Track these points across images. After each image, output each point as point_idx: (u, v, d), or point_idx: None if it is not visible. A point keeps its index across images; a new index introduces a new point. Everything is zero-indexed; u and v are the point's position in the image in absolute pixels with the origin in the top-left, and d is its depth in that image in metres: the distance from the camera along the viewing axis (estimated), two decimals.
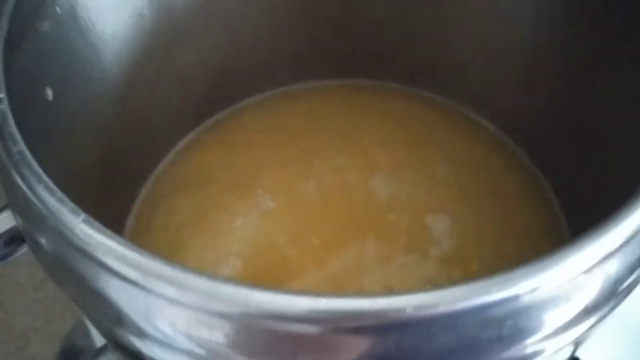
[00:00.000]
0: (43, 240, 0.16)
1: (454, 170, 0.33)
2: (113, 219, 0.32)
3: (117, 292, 0.15)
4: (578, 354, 0.20)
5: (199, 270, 0.14)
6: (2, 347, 0.42)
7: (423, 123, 0.36)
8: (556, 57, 0.31)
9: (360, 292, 0.30)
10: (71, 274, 0.16)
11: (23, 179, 0.16)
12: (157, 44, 0.31)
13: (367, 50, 0.37)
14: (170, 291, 0.14)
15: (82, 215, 0.15)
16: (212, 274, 0.14)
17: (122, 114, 0.30)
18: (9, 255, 0.20)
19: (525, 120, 0.34)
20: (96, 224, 0.15)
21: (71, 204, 0.16)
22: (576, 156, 0.31)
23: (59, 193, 0.16)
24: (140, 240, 0.32)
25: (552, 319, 0.16)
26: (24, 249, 0.20)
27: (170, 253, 0.32)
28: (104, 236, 0.15)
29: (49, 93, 0.25)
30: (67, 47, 0.26)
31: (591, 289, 0.17)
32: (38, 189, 0.16)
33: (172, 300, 0.14)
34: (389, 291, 0.29)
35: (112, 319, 0.15)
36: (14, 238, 0.20)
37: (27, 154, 0.16)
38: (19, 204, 0.17)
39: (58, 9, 0.25)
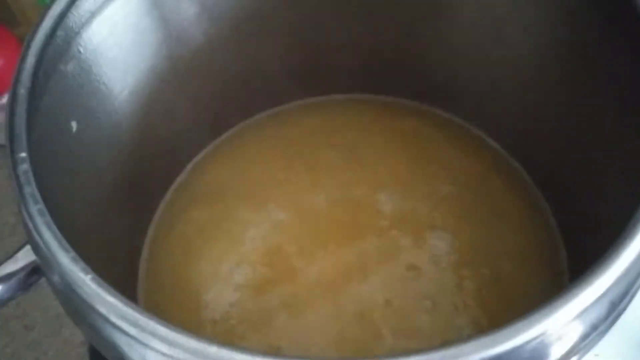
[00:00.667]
0: (57, 285, 0.19)
1: (457, 188, 0.35)
2: (135, 230, 0.35)
3: (118, 341, 0.17)
4: None
5: (189, 331, 0.16)
6: (37, 330, 0.46)
7: (430, 141, 0.37)
8: (560, 80, 0.32)
9: (361, 304, 0.32)
10: (80, 317, 0.18)
11: (41, 237, 0.18)
12: (175, 70, 0.33)
13: (379, 67, 0.38)
14: (163, 347, 0.16)
15: (91, 275, 0.17)
16: (200, 334, 0.16)
17: (141, 136, 0.33)
18: (31, 286, 0.22)
19: (529, 141, 0.35)
20: (103, 283, 0.18)
21: (82, 263, 0.18)
22: (577, 180, 0.32)
23: (73, 253, 0.18)
24: (160, 250, 0.35)
25: (554, 352, 0.18)
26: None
27: (186, 261, 0.34)
28: (108, 295, 0.17)
29: (74, 125, 0.27)
30: (89, 83, 0.28)
31: (591, 318, 0.19)
32: (54, 248, 0.18)
33: (165, 355, 0.16)
34: (388, 305, 0.31)
35: (116, 357, 0.18)
36: (36, 270, 0.22)
37: (47, 215, 0.19)
38: (37, 253, 0.19)
39: (82, 50, 0.27)
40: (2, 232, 0.51)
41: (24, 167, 0.19)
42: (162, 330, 0.16)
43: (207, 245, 0.35)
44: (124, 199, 0.32)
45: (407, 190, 0.35)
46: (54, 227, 0.18)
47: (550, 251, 0.33)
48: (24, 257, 0.22)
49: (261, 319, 0.32)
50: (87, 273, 0.17)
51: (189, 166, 0.38)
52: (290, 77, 0.38)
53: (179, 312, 0.32)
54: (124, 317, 0.17)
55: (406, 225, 0.34)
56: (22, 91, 0.21)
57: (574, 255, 0.32)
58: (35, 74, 0.22)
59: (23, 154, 0.20)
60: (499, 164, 0.36)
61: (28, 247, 0.22)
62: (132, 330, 0.16)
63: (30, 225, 0.19)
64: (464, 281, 0.32)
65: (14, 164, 0.19)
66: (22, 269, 0.22)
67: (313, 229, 0.34)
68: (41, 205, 0.19)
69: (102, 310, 0.17)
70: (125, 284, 0.33)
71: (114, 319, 0.17)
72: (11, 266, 0.22)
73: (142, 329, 0.16)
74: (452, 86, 0.37)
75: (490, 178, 0.35)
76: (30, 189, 0.19)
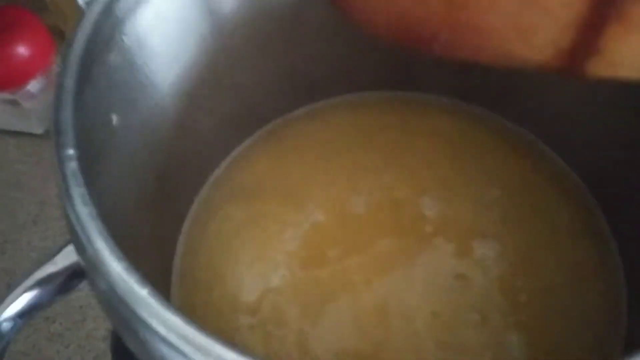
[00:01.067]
0: (104, 293, 0.17)
1: (504, 193, 0.33)
2: (171, 226, 0.34)
3: (165, 354, 0.16)
4: None
5: (246, 351, 0.15)
6: (59, 322, 0.45)
7: (473, 142, 0.36)
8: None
9: (405, 314, 0.30)
10: (129, 329, 0.17)
11: (91, 243, 0.17)
12: (217, 63, 0.31)
13: (419, 63, 0.37)
14: None
15: (148, 288, 0.16)
16: (255, 355, 0.15)
17: (180, 131, 0.31)
18: (71, 290, 0.21)
19: (581, 144, 0.33)
20: (161, 298, 0.16)
21: (137, 275, 0.16)
22: (634, 186, 0.31)
23: (126, 262, 0.17)
24: (196, 247, 0.34)
25: None
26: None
27: (222, 260, 0.33)
28: (168, 312, 0.16)
29: (114, 118, 0.26)
30: (131, 74, 0.26)
31: None
32: (105, 256, 0.17)
33: None
34: (434, 316, 0.30)
35: None
36: (77, 273, 0.21)
37: (98, 219, 0.17)
38: (84, 259, 0.18)
39: (125, 39, 0.25)
40: (25, 223, 0.50)
41: (72, 165, 0.18)
42: (218, 348, 0.15)
43: (243, 244, 0.33)
44: (162, 195, 0.31)
45: (451, 194, 0.34)
46: (106, 233, 0.17)
47: (604, 263, 0.31)
48: (64, 259, 0.21)
49: (299, 325, 0.31)
50: (143, 286, 0.16)
51: (225, 162, 0.36)
52: (331, 72, 0.37)
53: (215, 314, 0.31)
54: (184, 338, 0.15)
55: (452, 231, 0.32)
56: (70, 82, 0.20)
57: (631, 267, 0.31)
58: (82, 64, 0.20)
59: (71, 151, 0.18)
60: (549, 168, 0.34)
61: (69, 249, 0.21)
62: (187, 349, 0.15)
63: (79, 229, 0.17)
64: (515, 294, 0.30)
65: (61, 161, 0.18)
66: (63, 271, 0.21)
67: (354, 233, 0.33)
68: (91, 208, 0.17)
69: (160, 329, 0.16)
70: (159, 282, 0.32)
71: (173, 339, 0.15)
72: (50, 268, 0.21)
73: (198, 348, 0.15)
74: (498, 84, 0.35)
75: (539, 182, 0.34)
76: (80, 190, 0.17)
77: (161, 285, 0.32)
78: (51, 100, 0.47)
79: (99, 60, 0.24)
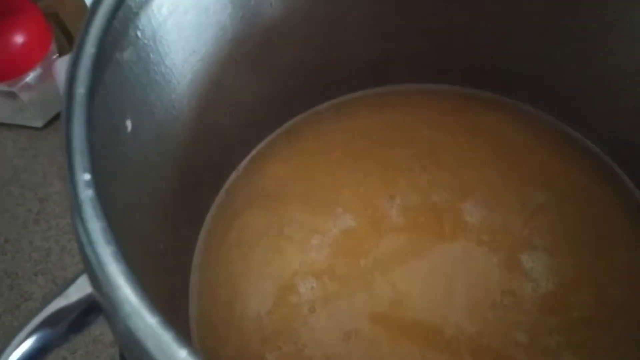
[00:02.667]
0: (124, 337, 0.15)
1: (553, 198, 0.30)
2: (186, 234, 0.31)
3: None
4: None
5: None
6: None
7: (517, 142, 0.33)
8: None
9: (446, 334, 0.28)
10: None
11: (114, 289, 0.14)
12: (237, 55, 0.28)
13: (456, 54, 0.34)
14: None
15: (187, 349, 0.13)
16: None
17: (196, 132, 0.28)
18: (87, 326, 0.18)
19: (636, 146, 0.30)
20: (193, 351, 0.13)
21: (174, 332, 0.14)
22: None
23: (159, 315, 0.14)
24: (214, 260, 0.31)
25: None
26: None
27: (244, 271, 0.30)
28: None
29: (128, 125, 0.23)
30: (146, 73, 0.23)
31: None
32: (133, 306, 0.14)
33: None
34: (479, 336, 0.27)
35: None
36: (93, 307, 0.18)
37: (123, 262, 0.14)
38: (103, 299, 0.15)
39: (140, 34, 0.22)
40: (26, 221, 0.48)
41: (89, 193, 0.15)
42: None
43: (266, 255, 0.31)
44: (178, 205, 0.28)
45: (495, 198, 0.31)
46: (131, 275, 0.14)
47: None
48: (78, 291, 0.18)
49: (332, 343, 0.28)
50: (181, 346, 0.13)
51: (243, 165, 0.33)
52: (359, 64, 0.34)
53: (237, 334, 0.29)
54: None
55: (497, 241, 0.29)
56: (81, 91, 0.17)
57: None
58: (95, 67, 0.17)
59: (87, 177, 0.15)
60: (601, 171, 0.31)
61: (82, 279, 0.18)
62: None
63: (99, 271, 0.14)
64: (567, 311, 0.27)
65: (75, 187, 0.15)
66: (76, 306, 0.18)
67: (388, 240, 0.30)
68: (114, 248, 0.14)
69: None
70: (175, 300, 0.29)
71: None
72: (62, 302, 0.18)
73: None
74: (541, 79, 0.32)
75: (591, 187, 0.31)
76: (101, 224, 0.15)
77: (179, 303, 0.29)
78: (50, 91, 0.44)
79: (111, 60, 0.21)
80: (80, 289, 0.18)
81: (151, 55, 0.23)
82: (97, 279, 0.15)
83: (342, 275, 0.30)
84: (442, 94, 0.34)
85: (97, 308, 0.18)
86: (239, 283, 0.30)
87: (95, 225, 0.15)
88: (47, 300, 0.19)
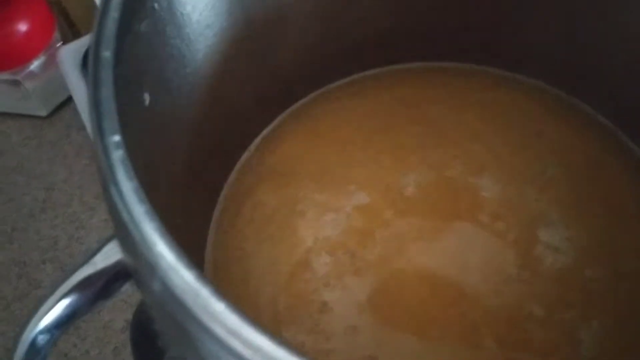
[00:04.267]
0: (157, 293, 0.15)
1: (565, 172, 0.30)
2: (199, 212, 0.31)
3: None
4: None
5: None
6: None
7: (527, 115, 0.33)
8: None
9: (461, 308, 0.28)
10: (178, 328, 0.14)
11: (147, 245, 0.14)
12: (250, 31, 0.28)
13: (465, 29, 0.34)
14: None
15: (224, 303, 0.13)
16: None
17: (211, 105, 0.28)
18: (114, 292, 0.18)
19: None
20: (234, 308, 0.13)
21: (211, 286, 0.14)
22: None
23: (195, 270, 0.14)
24: (227, 238, 0.31)
25: None
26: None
27: (257, 249, 0.31)
28: (248, 327, 0.13)
29: (147, 98, 0.23)
30: (163, 47, 0.23)
31: None
32: (167, 258, 0.14)
33: None
34: (496, 310, 0.27)
35: None
36: (121, 274, 0.18)
37: (157, 220, 0.14)
38: (137, 263, 0.15)
39: (156, 5, 0.22)
40: (32, 210, 0.48)
41: (120, 154, 0.15)
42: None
43: (279, 230, 0.31)
44: (191, 180, 0.28)
45: (508, 173, 0.31)
46: (165, 232, 0.14)
47: None
48: (104, 259, 0.18)
49: (347, 316, 0.28)
50: (219, 299, 0.13)
51: (255, 143, 0.33)
52: (367, 42, 0.34)
53: (252, 312, 0.29)
54: (251, 346, 0.12)
55: (514, 216, 0.29)
56: (107, 54, 0.17)
57: None
58: (118, 33, 0.17)
59: (117, 137, 0.15)
60: (612, 144, 0.31)
61: (109, 247, 0.18)
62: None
63: (133, 229, 0.14)
64: (585, 285, 0.28)
65: (106, 150, 0.15)
66: (104, 273, 0.18)
67: (403, 215, 0.30)
68: (147, 205, 0.14)
69: (221, 334, 0.13)
70: None
71: (236, 345, 0.13)
72: (89, 269, 0.18)
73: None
74: (560, 55, 0.32)
75: (604, 161, 0.31)
76: (133, 185, 0.15)
77: None
78: (54, 80, 0.43)
79: (131, 31, 0.21)
80: (107, 256, 0.18)
81: (167, 28, 0.23)
82: (132, 240, 0.15)
83: (357, 251, 0.30)
84: (451, 71, 0.35)
85: (124, 275, 0.18)
86: (252, 260, 0.30)
87: (127, 186, 0.15)
88: (74, 268, 0.19)
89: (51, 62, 0.48)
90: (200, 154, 0.29)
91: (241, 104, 0.31)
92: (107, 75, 0.16)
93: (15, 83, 0.48)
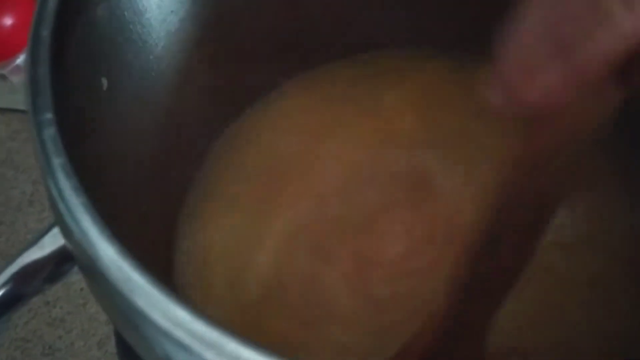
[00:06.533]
0: (97, 284, 0.15)
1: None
2: (169, 201, 0.31)
3: (170, 352, 0.13)
4: None
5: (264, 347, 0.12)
6: (60, 306, 0.43)
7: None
8: None
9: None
10: (122, 319, 0.14)
11: (77, 222, 0.14)
12: (217, 16, 0.28)
13: (442, 18, 0.33)
14: None
15: (147, 276, 0.13)
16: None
17: (179, 94, 0.28)
18: (62, 277, 0.18)
19: None
20: (162, 286, 0.13)
21: (134, 260, 0.13)
22: None
23: (120, 245, 0.14)
24: (199, 223, 0.31)
25: None
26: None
27: (227, 236, 0.31)
28: (172, 304, 0.13)
29: (104, 83, 0.23)
30: (121, 32, 0.23)
31: None
32: (94, 238, 0.14)
33: None
34: None
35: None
36: (68, 258, 0.18)
37: (84, 194, 0.14)
38: (70, 241, 0.15)
39: None
40: (20, 203, 0.48)
41: (51, 131, 0.15)
42: (247, 354, 0.12)
43: (258, 213, 0.31)
44: (163, 168, 0.28)
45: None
46: (93, 210, 0.14)
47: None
48: (52, 242, 0.18)
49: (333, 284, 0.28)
50: (142, 274, 0.13)
51: (227, 132, 0.33)
52: (342, 29, 0.34)
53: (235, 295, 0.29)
54: (193, 334, 0.12)
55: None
56: (45, 33, 0.17)
57: None
58: (60, 14, 0.17)
59: (49, 115, 0.15)
60: None
61: (57, 230, 0.18)
62: (204, 351, 0.12)
63: (62, 206, 0.14)
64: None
65: (38, 127, 0.15)
66: (51, 257, 0.18)
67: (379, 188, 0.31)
68: (75, 181, 0.14)
69: (163, 322, 0.13)
70: (161, 267, 0.29)
71: (179, 334, 0.12)
72: (37, 253, 0.18)
73: (219, 351, 0.12)
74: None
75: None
76: (61, 160, 0.14)
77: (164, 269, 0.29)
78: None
79: (85, 14, 0.21)
80: (55, 239, 0.18)
81: (126, 13, 0.23)
82: (61, 217, 0.15)
83: (338, 224, 0.30)
84: (434, 59, 0.34)
85: (72, 259, 0.18)
86: (220, 249, 0.30)
87: (56, 161, 0.15)
88: (20, 252, 0.19)
89: None
90: (169, 141, 0.29)
91: (213, 92, 0.31)
92: (44, 55, 0.16)
93: (2, 77, 0.48)
